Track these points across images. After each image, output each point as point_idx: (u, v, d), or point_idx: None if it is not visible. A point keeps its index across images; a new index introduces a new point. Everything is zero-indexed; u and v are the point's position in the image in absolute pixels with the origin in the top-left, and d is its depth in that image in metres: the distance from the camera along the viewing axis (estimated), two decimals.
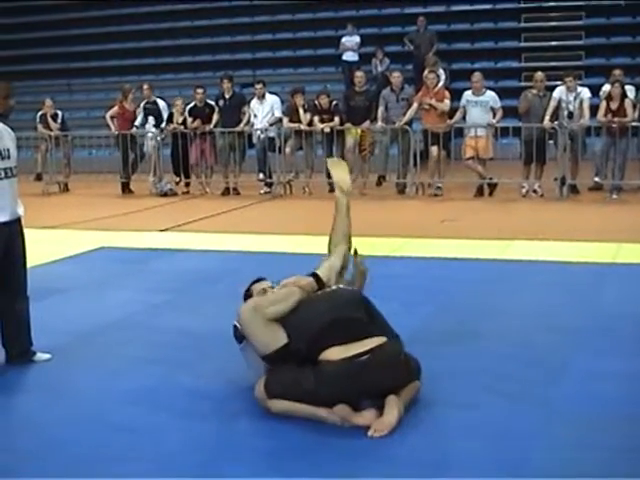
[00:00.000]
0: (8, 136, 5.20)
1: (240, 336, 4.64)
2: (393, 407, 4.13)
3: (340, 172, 5.15)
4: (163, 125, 14.93)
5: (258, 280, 4.93)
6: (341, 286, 4.72)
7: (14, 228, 5.20)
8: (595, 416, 4.21)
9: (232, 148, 14.39)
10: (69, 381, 5.05)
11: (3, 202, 5.08)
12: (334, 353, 4.20)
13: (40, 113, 15.78)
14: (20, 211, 5.24)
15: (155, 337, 5.81)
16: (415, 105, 13.39)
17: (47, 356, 5.35)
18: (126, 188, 15.04)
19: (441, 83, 14.11)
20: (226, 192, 14.40)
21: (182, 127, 14.53)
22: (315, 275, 4.65)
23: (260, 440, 4.13)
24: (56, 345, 5.54)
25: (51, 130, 15.57)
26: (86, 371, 5.17)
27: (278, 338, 4.33)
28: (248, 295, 4.84)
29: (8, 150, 5.13)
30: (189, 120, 14.52)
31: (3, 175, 5.08)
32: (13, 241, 5.18)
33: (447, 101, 13.36)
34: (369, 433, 4.02)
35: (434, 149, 13.28)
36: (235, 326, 4.67)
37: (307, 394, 4.18)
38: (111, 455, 3.93)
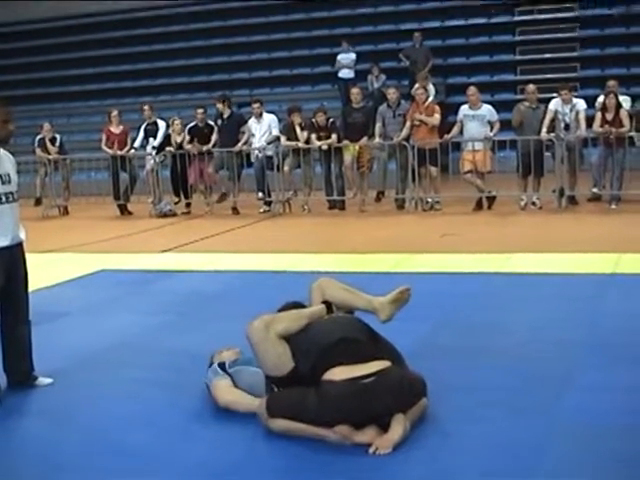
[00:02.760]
0: (8, 161, 5.19)
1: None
2: (398, 424, 4.10)
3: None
4: (155, 144, 14.94)
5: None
6: (340, 314, 4.71)
7: (16, 253, 5.17)
8: (599, 428, 4.19)
9: (228, 167, 14.43)
10: (70, 405, 5.03)
11: (4, 227, 5.05)
12: (338, 373, 4.17)
13: (38, 137, 15.80)
14: (22, 235, 5.22)
15: (157, 359, 5.80)
16: (409, 122, 13.41)
17: (49, 380, 5.31)
18: (124, 210, 15.07)
19: (431, 98, 14.16)
20: (235, 212, 14.44)
21: (180, 149, 14.57)
22: (326, 302, 4.67)
23: (263, 461, 4.11)
24: (57, 369, 5.51)
25: (49, 154, 15.58)
26: (88, 395, 5.16)
27: (287, 360, 4.31)
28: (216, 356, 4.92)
29: (8, 175, 5.10)
30: (187, 140, 14.56)
31: (4, 200, 5.05)
32: (15, 266, 5.15)
33: (437, 115, 13.39)
34: (370, 450, 3.99)
35: (427, 169, 13.27)
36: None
37: (309, 414, 4.16)
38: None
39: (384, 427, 4.11)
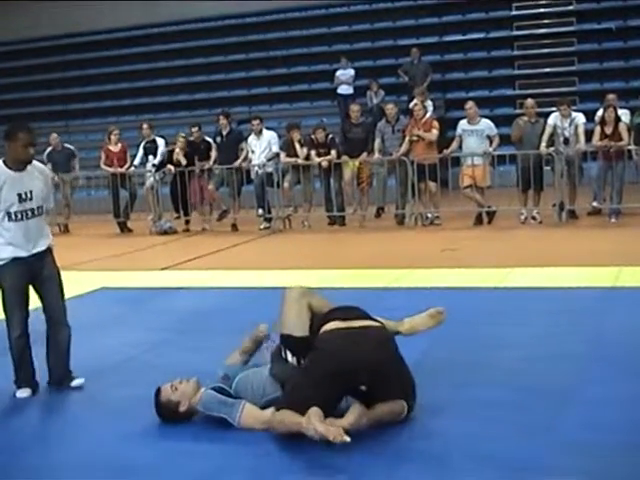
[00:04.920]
0: (37, 177, 5.54)
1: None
2: (352, 414, 4.31)
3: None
4: (155, 162, 14.96)
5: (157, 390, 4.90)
6: None
7: (37, 262, 5.53)
8: (601, 443, 4.18)
9: (228, 184, 14.45)
10: (73, 423, 5.04)
11: (20, 240, 5.44)
12: (332, 325, 4.49)
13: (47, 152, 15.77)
14: (41, 246, 5.57)
15: (157, 376, 5.74)
16: (407, 138, 13.44)
17: (82, 380, 5.67)
18: (124, 228, 15.09)
19: (429, 114, 14.17)
20: (234, 228, 14.45)
21: (181, 166, 14.59)
22: None
23: (262, 477, 4.12)
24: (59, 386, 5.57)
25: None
26: (89, 412, 5.16)
27: (305, 326, 4.63)
28: (164, 395, 4.83)
29: (30, 192, 5.45)
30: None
31: (20, 217, 5.43)
32: (40, 274, 5.55)
33: (435, 131, 13.40)
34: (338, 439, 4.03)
35: (425, 184, 13.30)
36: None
37: (302, 374, 4.41)
38: None
39: (364, 395, 4.37)
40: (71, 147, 16.19)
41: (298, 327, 4.63)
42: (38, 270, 5.55)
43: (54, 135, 15.97)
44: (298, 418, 4.22)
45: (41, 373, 5.68)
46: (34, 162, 5.55)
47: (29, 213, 5.47)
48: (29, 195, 5.46)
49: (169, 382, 4.85)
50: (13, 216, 5.42)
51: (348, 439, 4.01)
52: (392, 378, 4.43)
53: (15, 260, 5.45)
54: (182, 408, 4.73)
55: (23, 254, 5.46)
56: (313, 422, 4.11)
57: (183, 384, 4.81)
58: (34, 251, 5.52)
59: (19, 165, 5.45)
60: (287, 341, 4.66)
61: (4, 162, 5.47)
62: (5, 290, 5.51)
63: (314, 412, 4.16)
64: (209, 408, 4.68)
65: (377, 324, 4.59)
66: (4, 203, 5.39)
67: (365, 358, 4.32)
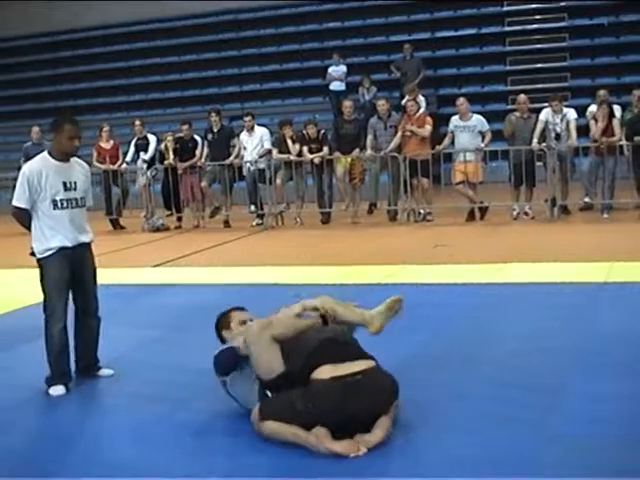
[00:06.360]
0: (79, 170, 5.74)
1: (222, 368, 4.70)
2: (381, 429, 4.20)
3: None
4: (147, 158, 14.94)
5: (240, 308, 5.05)
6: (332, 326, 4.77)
7: (79, 253, 5.62)
8: (593, 438, 4.19)
9: (220, 181, 14.44)
10: (63, 419, 5.03)
11: (65, 229, 5.53)
12: (325, 372, 4.26)
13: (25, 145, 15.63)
14: (85, 238, 5.68)
15: (151, 373, 5.80)
16: (399, 133, 13.44)
17: (110, 372, 5.79)
18: (117, 225, 15.07)
19: (422, 110, 14.17)
20: (226, 225, 14.45)
21: (172, 163, 14.58)
22: (322, 315, 4.71)
23: (254, 474, 4.12)
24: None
25: None
26: (81, 408, 5.16)
27: (279, 363, 4.41)
28: (225, 321, 4.94)
29: (75, 182, 5.60)
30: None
31: (66, 205, 5.53)
32: (80, 264, 5.64)
33: (428, 127, 13.39)
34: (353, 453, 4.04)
35: (417, 180, 13.30)
36: (216, 356, 4.71)
37: (297, 413, 4.21)
38: None
39: (367, 429, 4.17)
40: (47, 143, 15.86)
41: (270, 369, 4.42)
42: (79, 263, 5.63)
43: (35, 129, 15.74)
44: (301, 433, 4.17)
45: (31, 370, 5.64)
46: (75, 157, 5.73)
47: (73, 202, 5.57)
48: (74, 185, 5.58)
49: (250, 315, 4.97)
50: (59, 204, 5.50)
51: (365, 450, 4.05)
52: (392, 404, 4.38)
53: (61, 250, 5.50)
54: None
55: (69, 244, 5.53)
56: (325, 443, 4.08)
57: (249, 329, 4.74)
58: (79, 241, 5.61)
59: (63, 156, 5.59)
60: (268, 385, 4.49)
61: (49, 153, 5.61)
62: (50, 282, 5.53)
63: (323, 433, 4.11)
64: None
65: (369, 364, 4.36)
66: (50, 190, 5.48)
67: (365, 410, 4.21)
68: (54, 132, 5.59)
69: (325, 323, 4.69)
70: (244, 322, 4.93)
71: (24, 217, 5.57)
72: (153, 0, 21.50)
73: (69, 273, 5.57)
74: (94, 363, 5.82)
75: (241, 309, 5.09)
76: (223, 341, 4.96)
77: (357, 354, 4.41)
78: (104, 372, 5.79)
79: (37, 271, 5.57)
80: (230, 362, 4.70)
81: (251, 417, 4.40)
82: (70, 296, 5.65)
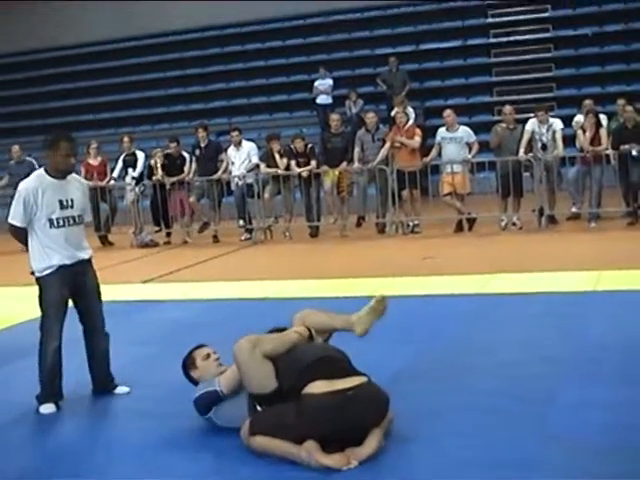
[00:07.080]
0: (77, 187, 5.69)
1: (204, 409, 4.72)
2: (374, 440, 4.21)
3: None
4: (135, 174, 14.93)
5: (199, 346, 5.07)
6: (320, 341, 4.79)
7: (79, 270, 5.61)
8: (584, 446, 4.20)
9: (208, 196, 14.44)
10: (55, 434, 5.02)
11: (62, 247, 5.50)
12: (317, 387, 4.26)
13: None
14: (83, 255, 5.65)
15: (140, 390, 5.78)
16: (388, 144, 13.47)
17: (127, 389, 5.78)
18: (105, 241, 15.04)
19: (411, 121, 14.21)
20: (215, 240, 14.41)
21: (160, 179, 14.58)
22: (309, 329, 4.72)
23: None
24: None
25: None
26: (72, 425, 5.15)
27: (271, 379, 4.40)
28: (190, 362, 4.97)
29: (71, 200, 5.56)
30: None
31: (62, 223, 5.51)
32: (82, 282, 5.64)
33: (418, 138, 13.42)
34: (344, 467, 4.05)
35: (405, 192, 13.33)
36: (195, 402, 4.74)
37: (288, 428, 4.21)
38: None
39: (358, 442, 4.17)
40: (32, 160, 15.39)
41: (262, 385, 4.41)
42: (81, 281, 5.64)
43: (15, 147, 15.73)
44: (292, 447, 4.17)
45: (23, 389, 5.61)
46: (73, 173, 5.70)
47: (70, 220, 5.56)
48: (70, 203, 5.56)
49: (210, 349, 5.01)
50: (55, 222, 5.49)
51: (356, 463, 4.06)
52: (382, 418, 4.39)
53: (60, 269, 5.49)
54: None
55: (67, 261, 5.52)
56: (316, 457, 4.08)
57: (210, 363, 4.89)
58: (77, 258, 5.59)
59: (60, 174, 5.57)
60: (259, 399, 4.48)
61: (45, 170, 5.60)
62: (47, 301, 5.54)
63: (314, 447, 4.11)
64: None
65: (362, 379, 4.36)
66: (46, 209, 5.46)
67: (357, 424, 4.22)
68: (49, 150, 5.57)
69: (311, 337, 4.70)
70: (208, 355, 4.96)
71: (20, 234, 5.58)
72: (140, 16, 21.58)
73: (68, 291, 5.57)
74: (110, 381, 5.83)
75: (201, 346, 5.07)
76: (194, 382, 4.95)
77: (349, 371, 4.41)
78: (120, 390, 5.78)
79: (35, 288, 5.57)
80: (210, 403, 4.72)
81: (241, 432, 4.39)
82: (77, 317, 5.68)
